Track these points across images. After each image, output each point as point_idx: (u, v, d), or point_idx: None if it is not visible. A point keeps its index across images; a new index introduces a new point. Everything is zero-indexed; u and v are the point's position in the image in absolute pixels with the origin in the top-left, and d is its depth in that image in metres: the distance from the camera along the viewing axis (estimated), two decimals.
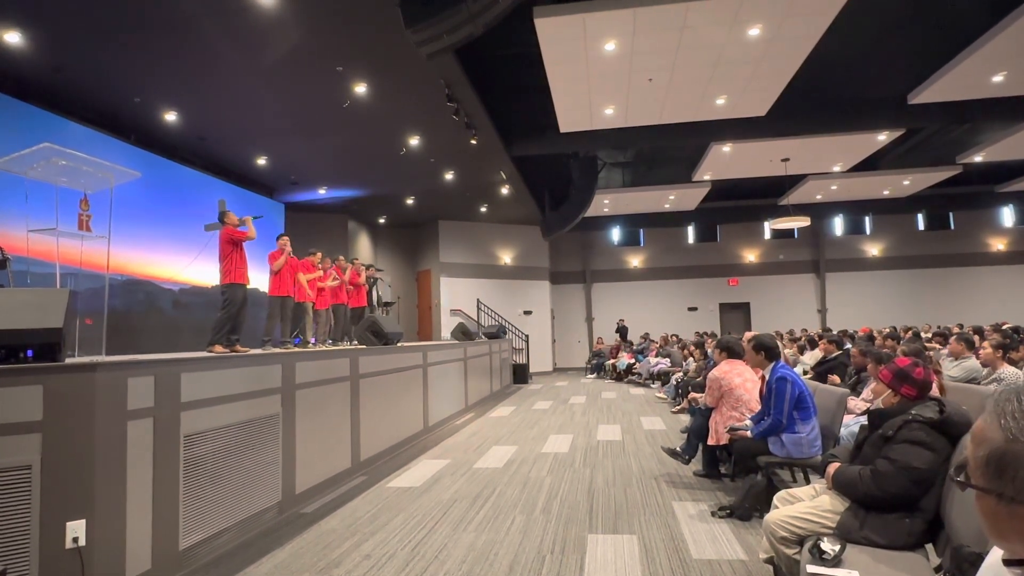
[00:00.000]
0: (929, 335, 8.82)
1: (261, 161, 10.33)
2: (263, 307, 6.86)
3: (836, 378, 5.57)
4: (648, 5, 6.10)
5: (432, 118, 8.48)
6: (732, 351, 4.49)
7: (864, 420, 2.58)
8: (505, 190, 12.70)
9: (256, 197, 11.42)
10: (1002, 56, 7.52)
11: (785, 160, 11.93)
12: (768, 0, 6.06)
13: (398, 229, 16.37)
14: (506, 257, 16.64)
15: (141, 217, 8.61)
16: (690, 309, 18.58)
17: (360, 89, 7.50)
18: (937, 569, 2.06)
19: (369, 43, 6.45)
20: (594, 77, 7.73)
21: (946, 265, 17.58)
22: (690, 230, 18.75)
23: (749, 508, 3.67)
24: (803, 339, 10.26)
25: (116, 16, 5.68)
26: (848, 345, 6.66)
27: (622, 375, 14.22)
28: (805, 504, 2.38)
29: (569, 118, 9.27)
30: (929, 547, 2.17)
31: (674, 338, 14.44)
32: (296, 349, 6.19)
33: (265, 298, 6.80)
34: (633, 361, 14.13)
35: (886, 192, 15.30)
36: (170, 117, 8.21)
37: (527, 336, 15.84)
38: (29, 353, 2.74)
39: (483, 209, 14.72)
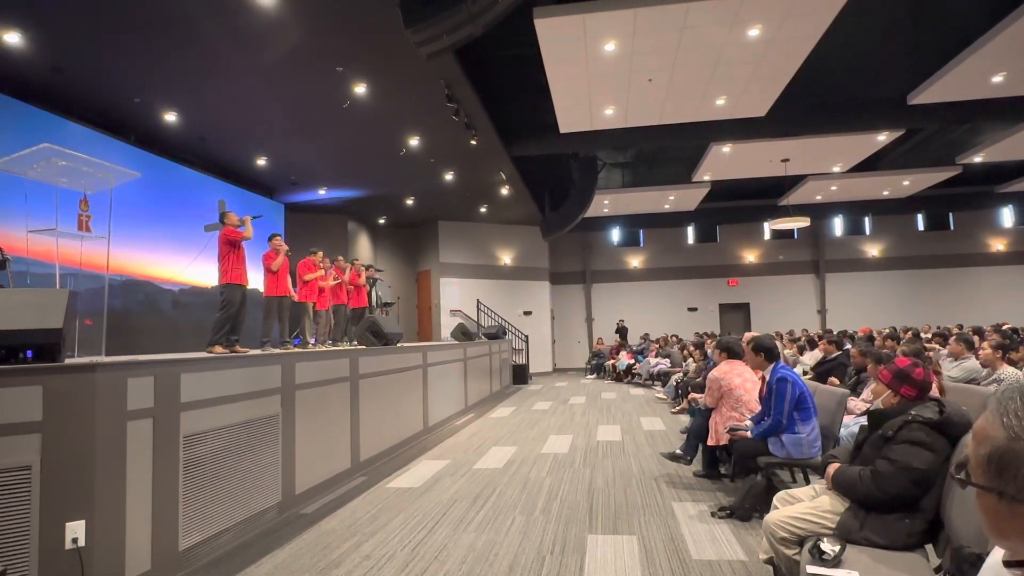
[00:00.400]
0: (929, 335, 8.83)
1: (261, 161, 10.32)
2: (262, 308, 6.85)
3: (836, 379, 5.57)
4: (648, 5, 6.10)
5: (432, 118, 8.48)
6: (732, 351, 4.49)
7: (864, 420, 2.58)
8: (505, 190, 12.70)
9: (256, 198, 11.42)
10: (1002, 56, 7.52)
11: (785, 160, 11.93)
12: (768, 0, 6.06)
13: (398, 229, 16.37)
14: (506, 257, 16.64)
15: (141, 217, 8.61)
16: (690, 310, 18.58)
17: (360, 89, 7.49)
18: (937, 570, 2.06)
19: (369, 43, 6.44)
20: (594, 77, 7.73)
21: (946, 265, 17.59)
22: (690, 230, 18.76)
23: (749, 509, 3.67)
24: (803, 339, 10.26)
25: (116, 16, 5.68)
26: (848, 346, 6.66)
27: (622, 375, 14.22)
28: (805, 505, 2.38)
29: (569, 118, 9.27)
30: (929, 548, 2.17)
31: (674, 339, 14.44)
32: (296, 350, 6.19)
33: (264, 299, 6.78)
34: (633, 362, 14.13)
35: (886, 192, 15.30)
36: (170, 117, 8.20)
37: (527, 337, 15.84)
38: (29, 354, 2.74)
39: (483, 209, 14.71)
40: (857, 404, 4.41)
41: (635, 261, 18.99)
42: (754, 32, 6.66)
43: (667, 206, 16.03)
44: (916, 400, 2.31)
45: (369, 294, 9.11)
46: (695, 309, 18.57)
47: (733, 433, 3.90)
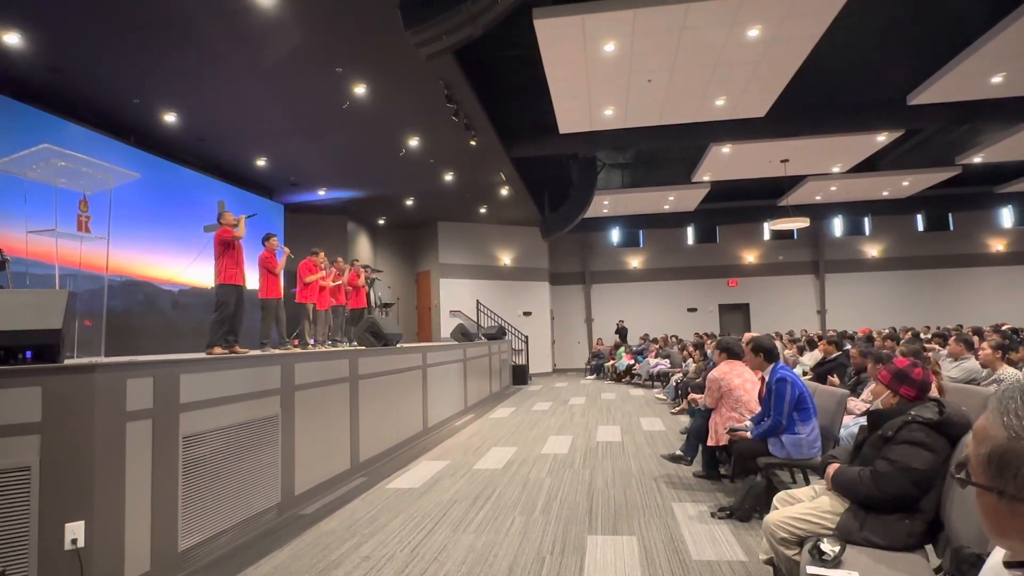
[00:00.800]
0: (928, 336, 8.83)
1: (261, 162, 10.32)
2: (260, 309, 6.83)
3: (835, 379, 5.57)
4: (648, 6, 6.10)
5: (432, 119, 8.48)
6: (731, 352, 4.49)
7: (863, 421, 2.58)
8: (505, 191, 12.70)
9: (256, 198, 11.42)
10: (1001, 57, 7.53)
11: (784, 161, 11.94)
12: (768, 0, 6.06)
13: (398, 230, 16.37)
14: (505, 258, 16.64)
15: (140, 218, 8.61)
16: (690, 310, 18.58)
17: (360, 90, 7.50)
18: (937, 570, 2.05)
19: (369, 44, 6.45)
20: (594, 78, 7.74)
21: (945, 266, 17.59)
22: (690, 231, 18.76)
23: (749, 509, 3.66)
24: (803, 340, 10.26)
25: (115, 17, 5.68)
26: (847, 346, 6.66)
27: (621, 376, 14.22)
28: (805, 505, 2.38)
29: (568, 119, 9.28)
30: (929, 548, 2.17)
31: (674, 339, 14.43)
32: (295, 350, 6.18)
33: (259, 301, 6.73)
34: (632, 362, 14.13)
35: (885, 193, 15.31)
36: (169, 118, 8.20)
37: (526, 337, 15.84)
38: (28, 354, 2.74)
39: (482, 210, 14.72)
40: (857, 404, 4.41)
41: (635, 261, 18.99)
42: (754, 32, 6.67)
43: (667, 206, 16.03)
44: (915, 400, 2.31)
45: (368, 294, 9.11)
46: (695, 309, 18.58)
47: (733, 434, 3.90)
